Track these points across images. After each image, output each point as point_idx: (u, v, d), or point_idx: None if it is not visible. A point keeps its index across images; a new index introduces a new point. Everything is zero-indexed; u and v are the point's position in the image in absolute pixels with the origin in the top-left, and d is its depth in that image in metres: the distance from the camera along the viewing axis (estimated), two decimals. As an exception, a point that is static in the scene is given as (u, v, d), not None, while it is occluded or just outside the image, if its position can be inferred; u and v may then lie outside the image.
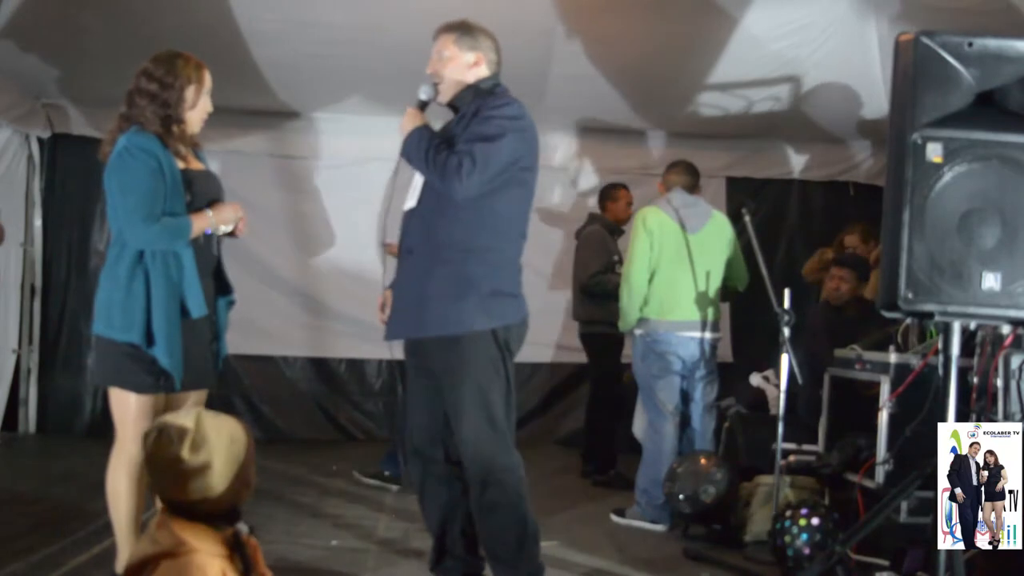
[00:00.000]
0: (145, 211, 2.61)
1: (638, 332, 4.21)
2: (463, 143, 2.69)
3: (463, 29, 2.89)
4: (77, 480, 4.40)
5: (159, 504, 1.82)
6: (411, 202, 2.84)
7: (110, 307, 2.64)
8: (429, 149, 2.71)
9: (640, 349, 4.22)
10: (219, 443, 1.74)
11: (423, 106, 2.88)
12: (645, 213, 4.25)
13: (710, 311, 4.19)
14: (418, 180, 2.84)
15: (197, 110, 2.77)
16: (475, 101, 2.81)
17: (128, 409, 2.66)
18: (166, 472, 1.74)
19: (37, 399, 5.76)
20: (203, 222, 2.72)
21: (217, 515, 1.76)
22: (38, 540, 3.38)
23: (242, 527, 1.77)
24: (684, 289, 4.14)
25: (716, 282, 4.22)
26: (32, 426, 5.72)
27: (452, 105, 2.90)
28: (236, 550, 1.75)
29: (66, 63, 5.07)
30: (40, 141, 5.73)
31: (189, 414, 1.79)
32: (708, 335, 4.20)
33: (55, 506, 3.97)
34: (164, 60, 2.74)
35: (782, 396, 3.70)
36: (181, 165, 2.72)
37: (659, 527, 4.09)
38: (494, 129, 2.70)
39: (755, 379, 4.85)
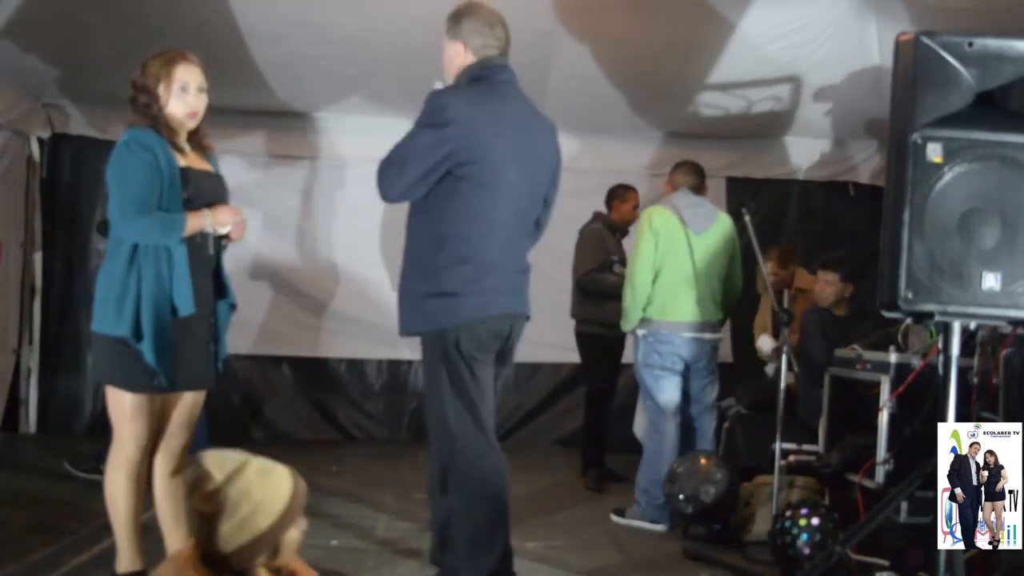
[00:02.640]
0: (138, 204, 2.61)
1: (640, 332, 4.21)
2: None
3: (451, 18, 2.87)
4: (77, 480, 4.40)
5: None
6: None
7: (106, 302, 2.64)
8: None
9: (642, 349, 4.22)
10: (235, 507, 1.68)
11: None
12: (651, 213, 4.24)
13: (713, 312, 4.21)
14: None
15: (173, 106, 2.72)
16: None
17: (123, 408, 2.66)
18: (184, 501, 1.76)
19: (37, 399, 5.75)
20: (199, 221, 2.70)
21: (228, 569, 1.72)
22: (38, 540, 3.39)
23: None
24: (688, 290, 4.15)
25: (719, 283, 4.24)
26: (32, 426, 5.71)
27: None
28: None
29: (66, 63, 5.06)
30: (40, 141, 5.73)
31: (232, 460, 1.72)
32: (710, 335, 4.21)
33: (55, 506, 3.97)
34: (143, 64, 2.74)
35: (781, 396, 3.70)
36: (182, 163, 2.72)
37: (659, 527, 4.09)
38: (415, 126, 2.75)
39: (765, 342, 4.84)
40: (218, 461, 1.71)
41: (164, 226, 2.64)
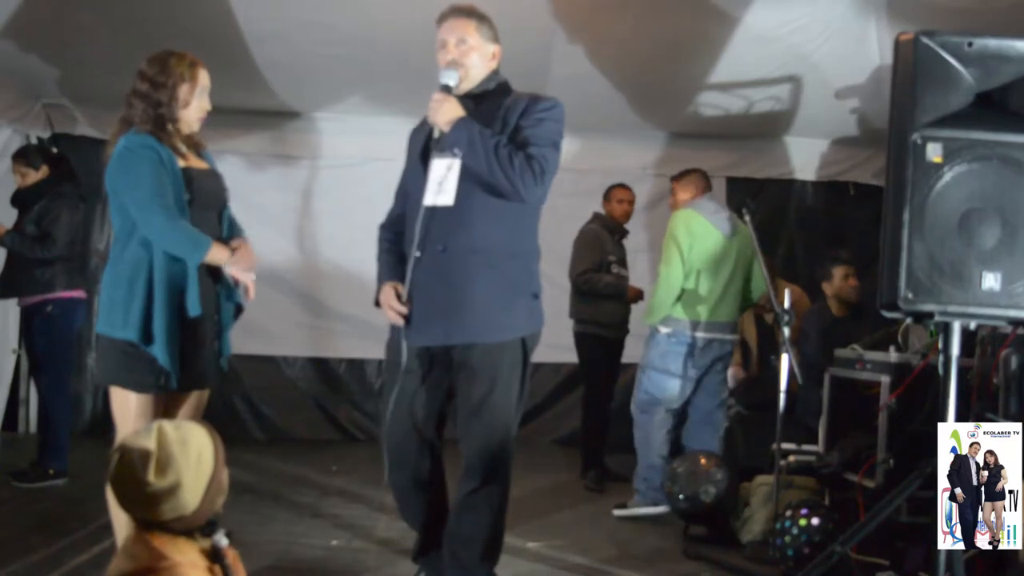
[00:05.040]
0: (160, 201, 2.61)
1: (665, 330, 4.27)
2: (531, 146, 2.62)
3: (480, 16, 2.78)
4: (77, 480, 4.40)
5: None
6: (443, 199, 2.67)
7: (111, 305, 2.64)
8: (498, 147, 2.58)
9: (661, 347, 4.28)
10: (185, 460, 1.67)
11: (447, 91, 2.71)
12: (687, 217, 4.29)
13: (735, 312, 4.35)
14: (449, 176, 2.68)
15: (191, 108, 2.74)
16: (507, 98, 2.73)
17: (128, 408, 2.65)
18: (134, 497, 1.67)
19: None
20: (222, 254, 2.69)
21: (194, 529, 1.71)
22: (38, 540, 3.39)
23: (221, 539, 1.72)
24: (719, 291, 4.25)
25: (739, 286, 4.35)
26: (32, 426, 5.71)
27: (466, 97, 2.76)
28: (216, 561, 1.71)
29: (66, 63, 5.06)
30: (40, 141, 5.73)
31: (149, 432, 1.70)
32: (730, 336, 4.34)
33: (55, 506, 3.98)
34: (157, 60, 2.73)
35: (782, 396, 3.71)
36: (182, 163, 2.71)
37: (660, 508, 4.17)
38: (555, 135, 2.68)
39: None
40: (137, 438, 1.69)
41: (193, 239, 2.63)
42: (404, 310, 2.71)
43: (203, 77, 2.77)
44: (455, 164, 2.67)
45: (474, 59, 2.73)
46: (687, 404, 4.36)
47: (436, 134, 2.70)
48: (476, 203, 2.64)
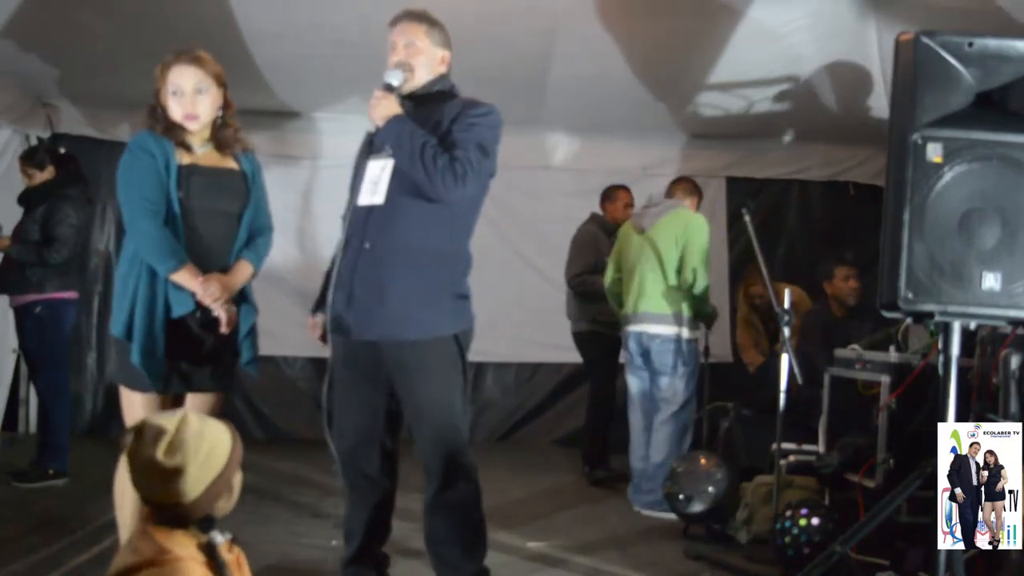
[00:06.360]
0: (147, 204, 2.61)
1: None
2: (457, 149, 2.64)
3: (431, 22, 2.84)
4: (77, 480, 4.41)
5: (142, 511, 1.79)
6: (374, 198, 2.74)
7: (114, 301, 2.67)
8: (425, 147, 2.61)
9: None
10: (196, 449, 1.70)
11: (389, 90, 2.75)
12: (622, 228, 4.72)
13: (659, 303, 4.37)
14: (383, 176, 2.75)
15: (170, 111, 2.70)
16: (449, 103, 2.78)
17: (133, 407, 2.66)
18: (142, 471, 1.72)
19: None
20: (190, 280, 2.62)
21: (191, 520, 1.74)
22: (38, 540, 3.39)
23: (217, 537, 1.74)
24: (631, 284, 4.47)
25: (669, 275, 4.38)
26: (32, 426, 5.71)
27: (407, 98, 2.79)
28: (212, 558, 1.73)
29: (66, 63, 5.06)
30: (40, 141, 5.72)
31: (174, 416, 1.75)
32: (659, 328, 4.36)
33: (55, 506, 3.98)
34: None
35: (782, 396, 3.71)
36: (186, 160, 2.70)
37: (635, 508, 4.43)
38: (485, 140, 2.70)
39: None
40: (158, 420, 1.73)
41: (163, 253, 2.60)
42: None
43: (173, 76, 2.70)
44: (389, 165, 2.74)
45: (421, 62, 2.80)
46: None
47: (373, 130, 2.78)
48: (404, 204, 2.69)
